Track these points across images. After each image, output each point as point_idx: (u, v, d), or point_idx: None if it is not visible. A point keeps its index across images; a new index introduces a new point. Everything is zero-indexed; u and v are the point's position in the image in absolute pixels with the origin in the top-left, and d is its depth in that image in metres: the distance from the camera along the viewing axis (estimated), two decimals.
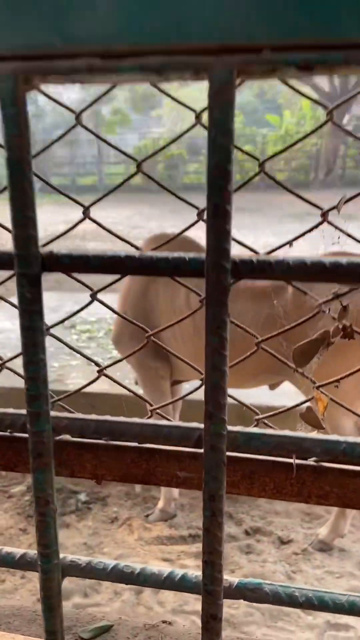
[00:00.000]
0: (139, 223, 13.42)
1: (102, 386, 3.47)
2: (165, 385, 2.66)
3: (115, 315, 2.96)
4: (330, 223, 1.01)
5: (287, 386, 2.53)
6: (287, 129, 22.91)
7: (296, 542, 2.56)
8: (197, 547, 2.53)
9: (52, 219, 14.51)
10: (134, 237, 11.05)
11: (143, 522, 2.70)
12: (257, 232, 11.66)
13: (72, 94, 31.15)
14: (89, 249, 0.35)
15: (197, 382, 1.09)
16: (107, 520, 2.73)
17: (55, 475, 0.39)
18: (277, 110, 27.80)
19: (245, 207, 15.88)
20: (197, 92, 31.80)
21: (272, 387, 2.62)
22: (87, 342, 4.29)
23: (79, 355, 3.84)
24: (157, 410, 1.10)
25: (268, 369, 2.29)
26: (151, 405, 1.10)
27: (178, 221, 13.48)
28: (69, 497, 2.89)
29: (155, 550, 2.51)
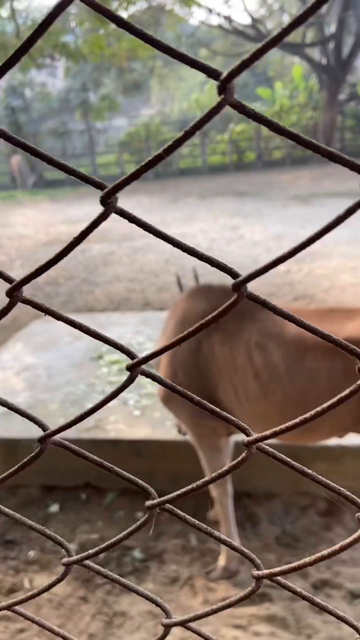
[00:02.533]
0: (141, 217, 12.89)
1: (144, 431, 3.19)
2: (222, 442, 2.41)
3: (143, 343, 2.63)
4: None
5: None
6: (282, 103, 22.23)
7: None
8: (267, 608, 2.22)
9: (51, 218, 14.10)
10: (139, 235, 10.65)
11: (206, 581, 2.40)
12: (263, 220, 11.21)
13: (58, 82, 30.41)
14: None
15: None
16: (168, 580, 2.43)
17: None
18: (269, 82, 27.05)
19: (246, 191, 15.41)
20: (186, 71, 31.05)
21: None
22: (119, 375, 3.89)
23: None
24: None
25: (344, 428, 2.15)
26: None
27: (180, 213, 13.06)
28: (123, 555, 2.59)
29: (224, 615, 2.20)
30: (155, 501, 0.56)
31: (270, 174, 18.64)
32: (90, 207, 15.72)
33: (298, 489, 2.86)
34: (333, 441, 2.43)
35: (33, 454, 0.57)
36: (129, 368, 0.51)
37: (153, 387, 3.62)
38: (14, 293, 0.49)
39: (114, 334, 4.62)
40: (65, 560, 0.64)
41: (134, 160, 23.34)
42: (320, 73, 21.48)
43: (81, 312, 6.32)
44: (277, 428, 0.49)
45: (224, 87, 0.40)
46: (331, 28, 22.29)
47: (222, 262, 0.45)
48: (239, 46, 23.90)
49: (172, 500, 0.56)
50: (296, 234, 9.57)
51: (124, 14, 12.90)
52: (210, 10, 20.73)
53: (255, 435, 0.52)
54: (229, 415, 0.53)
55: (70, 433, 3.12)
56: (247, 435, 0.53)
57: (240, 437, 2.72)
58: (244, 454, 0.53)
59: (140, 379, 3.76)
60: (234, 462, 0.54)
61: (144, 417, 3.25)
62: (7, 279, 0.50)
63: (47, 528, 0.67)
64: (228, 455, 2.45)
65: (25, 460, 0.58)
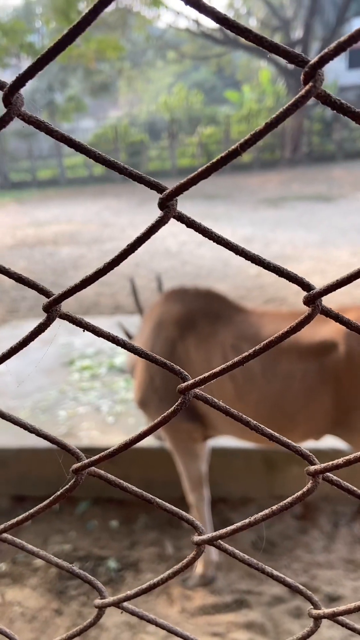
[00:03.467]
0: (110, 220, 12.87)
1: (117, 438, 3.13)
2: (198, 447, 2.39)
3: (116, 348, 2.61)
4: None
5: None
6: (250, 107, 22.45)
7: (346, 598, 2.25)
8: (245, 614, 2.20)
9: (17, 220, 13.85)
10: (108, 237, 10.56)
11: (182, 589, 2.37)
12: (233, 222, 11.28)
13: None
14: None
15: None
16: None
17: None
18: (236, 86, 27.30)
19: (216, 193, 15.48)
20: (154, 73, 31.05)
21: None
22: (91, 381, 3.81)
23: (85, 400, 3.38)
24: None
25: (319, 431, 2.18)
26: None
27: (149, 215, 13.01)
28: (98, 565, 2.53)
29: (201, 623, 2.17)
30: (205, 537, 0.53)
31: (239, 177, 18.78)
32: (58, 208, 15.52)
33: (273, 493, 2.86)
34: (326, 443, 2.44)
35: (68, 485, 0.54)
36: (180, 391, 0.47)
37: (126, 393, 3.57)
38: (53, 308, 0.46)
39: (84, 339, 4.55)
40: (98, 602, 0.60)
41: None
42: (288, 77, 21.78)
43: None
44: (342, 460, 0.46)
45: (313, 73, 0.36)
46: (297, 33, 22.63)
47: (292, 273, 0.42)
48: (207, 49, 24.02)
49: (223, 537, 0.53)
50: (266, 236, 9.65)
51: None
52: (177, 13, 20.78)
53: (321, 465, 0.49)
54: (289, 442, 0.50)
55: (41, 442, 3.04)
56: (312, 463, 0.50)
57: (217, 441, 2.70)
58: (309, 485, 0.49)
59: (113, 384, 3.72)
60: (299, 494, 0.51)
61: (118, 423, 3.20)
62: (45, 293, 0.46)
63: (18, 538, 0.63)
64: (205, 459, 2.43)
65: (60, 492, 0.55)
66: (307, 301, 0.44)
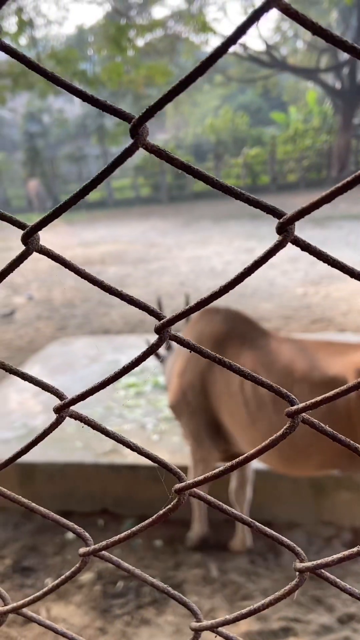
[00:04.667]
0: (156, 240, 13.05)
1: (161, 456, 3.11)
2: (213, 463, 2.55)
3: (161, 368, 2.71)
4: None
5: None
6: (296, 127, 22.43)
7: None
8: None
9: (67, 241, 14.25)
10: (154, 257, 10.70)
11: (228, 614, 2.32)
12: None
13: (75, 108, 31.07)
14: None
15: None
16: (188, 612, 2.35)
17: None
18: (283, 107, 27.37)
19: (260, 214, 15.31)
20: (201, 96, 31.57)
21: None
22: (136, 398, 3.85)
23: (130, 417, 3.46)
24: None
25: (333, 465, 2.16)
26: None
27: (195, 235, 13.14)
28: (142, 585, 2.52)
29: None
30: (309, 565, 0.53)
31: (285, 197, 18.71)
32: (105, 229, 15.87)
33: (321, 519, 2.78)
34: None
35: (171, 505, 0.56)
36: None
37: (171, 412, 3.57)
38: (165, 329, 0.48)
39: (130, 356, 4.59)
40: (195, 625, 0.61)
41: (148, 184, 23.63)
42: (335, 97, 21.69)
43: (97, 334, 6.32)
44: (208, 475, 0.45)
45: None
46: (345, 54, 22.55)
47: None
48: (254, 72, 24.25)
49: (329, 565, 0.52)
50: (311, 256, 9.54)
51: (141, 42, 13.18)
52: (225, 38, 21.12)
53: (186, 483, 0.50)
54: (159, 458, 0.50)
55: (87, 457, 3.08)
56: (180, 480, 0.53)
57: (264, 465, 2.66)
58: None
59: (158, 402, 3.73)
60: (164, 510, 0.50)
61: (162, 442, 3.20)
62: (157, 316, 0.48)
63: (63, 555, 0.63)
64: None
65: (163, 512, 0.56)
66: None
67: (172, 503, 0.55)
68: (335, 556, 0.52)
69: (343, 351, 2.14)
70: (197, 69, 0.38)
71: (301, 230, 12.49)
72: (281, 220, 0.42)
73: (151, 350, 0.48)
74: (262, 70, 23.57)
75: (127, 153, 0.42)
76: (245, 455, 0.50)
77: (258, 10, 0.36)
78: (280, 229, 0.42)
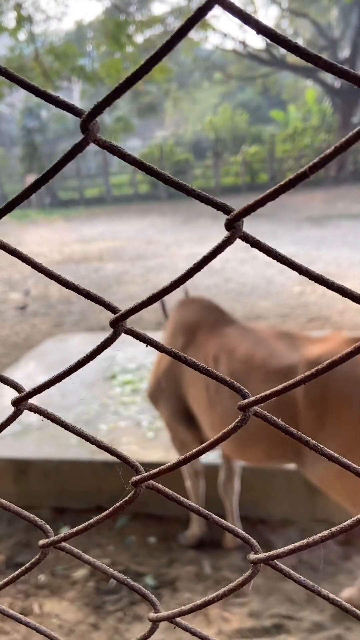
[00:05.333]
0: (154, 237, 13.03)
1: (157, 453, 3.14)
2: (191, 447, 2.58)
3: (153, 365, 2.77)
4: None
5: None
6: (295, 126, 22.42)
7: None
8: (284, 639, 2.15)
9: (65, 237, 14.23)
10: (152, 254, 10.68)
11: (220, 610, 2.33)
12: (276, 241, 11.21)
13: (74, 103, 30.94)
14: None
15: None
16: (181, 609, 2.36)
17: None
18: (282, 105, 27.34)
19: (260, 212, 15.22)
20: (201, 94, 31.50)
21: None
22: (132, 395, 3.86)
23: (126, 414, 3.51)
24: None
25: (281, 455, 2.21)
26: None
27: (193, 233, 13.13)
28: (135, 581, 2.52)
29: None
30: (262, 556, 0.53)
31: (284, 196, 18.57)
32: (104, 226, 15.84)
33: (315, 516, 2.79)
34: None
35: (127, 497, 0.56)
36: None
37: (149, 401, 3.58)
38: (120, 323, 0.48)
39: (127, 353, 4.60)
40: (153, 616, 0.61)
41: (147, 181, 23.60)
42: (334, 96, 21.68)
43: (94, 330, 6.32)
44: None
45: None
46: (344, 53, 22.56)
47: (355, 293, 0.42)
48: (253, 70, 24.22)
49: (280, 557, 0.52)
50: (310, 255, 9.55)
51: (140, 38, 13.14)
52: (225, 35, 21.08)
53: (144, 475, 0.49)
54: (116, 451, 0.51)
55: (82, 453, 3.08)
56: (137, 473, 0.51)
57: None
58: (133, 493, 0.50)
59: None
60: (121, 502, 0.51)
61: (158, 439, 3.21)
62: (113, 309, 0.48)
63: (56, 551, 0.63)
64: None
65: (119, 504, 0.56)
66: None
67: (128, 495, 0.55)
68: (286, 547, 0.52)
69: (301, 343, 2.19)
70: (141, 67, 0.39)
71: (299, 229, 12.51)
72: (229, 216, 0.42)
73: (104, 345, 0.48)
74: (262, 69, 23.55)
75: (77, 148, 0.42)
76: (199, 447, 0.51)
77: (201, 9, 0.36)
78: (229, 225, 0.42)
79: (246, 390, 0.48)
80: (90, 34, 21.19)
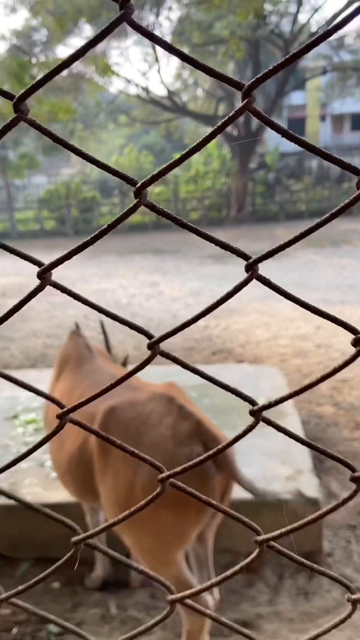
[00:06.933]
0: (60, 272, 12.39)
1: (61, 494, 2.96)
2: None
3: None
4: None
5: None
6: (197, 169, 23.47)
7: None
8: None
9: None
10: (58, 291, 10.52)
11: None
12: (181, 276, 11.54)
13: None
14: None
15: None
16: None
17: None
18: (184, 149, 28.42)
19: (164, 249, 15.83)
20: (106, 135, 32.04)
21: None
22: (35, 435, 3.71)
23: (30, 456, 3.37)
24: None
25: (90, 497, 2.31)
26: None
27: (99, 269, 13.15)
28: (38, 630, 2.40)
29: None
30: (177, 596, 0.56)
31: (188, 234, 19.16)
32: (7, 261, 15.44)
33: (218, 546, 2.83)
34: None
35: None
36: None
37: None
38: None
39: (29, 392, 4.46)
40: None
41: (53, 217, 23.40)
42: (232, 143, 23.02)
43: None
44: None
45: (248, 93, 0.51)
46: (240, 104, 24.10)
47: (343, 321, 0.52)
48: (157, 115, 25.16)
49: (192, 596, 0.55)
50: (213, 290, 9.91)
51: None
52: (128, 81, 21.81)
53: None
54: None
55: None
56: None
57: None
58: None
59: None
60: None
61: None
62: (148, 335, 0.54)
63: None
64: None
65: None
66: (356, 342, 0.54)
67: (68, 554, 0.58)
68: (199, 587, 0.57)
69: (124, 390, 2.14)
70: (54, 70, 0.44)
71: (203, 265, 12.96)
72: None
73: (33, 293, 0.54)
74: (165, 114, 24.54)
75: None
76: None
77: (112, 24, 0.42)
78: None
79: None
80: None
